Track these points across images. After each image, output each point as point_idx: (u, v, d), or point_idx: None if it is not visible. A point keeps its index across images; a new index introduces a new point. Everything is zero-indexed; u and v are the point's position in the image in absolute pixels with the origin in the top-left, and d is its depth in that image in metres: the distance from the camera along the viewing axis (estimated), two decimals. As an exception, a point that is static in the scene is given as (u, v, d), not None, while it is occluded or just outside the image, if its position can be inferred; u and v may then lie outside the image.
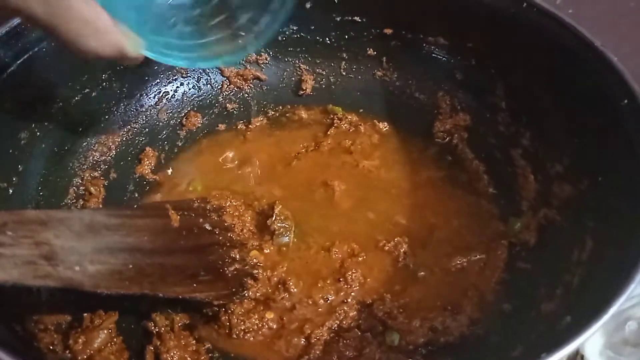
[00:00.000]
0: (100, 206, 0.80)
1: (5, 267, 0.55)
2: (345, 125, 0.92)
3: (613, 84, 0.67)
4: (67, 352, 0.65)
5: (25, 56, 0.75)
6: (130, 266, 0.64)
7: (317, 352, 0.68)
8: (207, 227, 0.73)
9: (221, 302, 0.68)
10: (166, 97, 0.92)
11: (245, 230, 0.76)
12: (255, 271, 0.72)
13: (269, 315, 0.70)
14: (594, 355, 0.97)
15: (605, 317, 0.49)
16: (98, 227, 0.65)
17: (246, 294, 0.70)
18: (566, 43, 0.74)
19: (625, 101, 0.66)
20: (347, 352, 0.68)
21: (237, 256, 0.73)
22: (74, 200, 0.81)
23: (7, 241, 0.56)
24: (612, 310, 0.50)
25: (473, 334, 0.69)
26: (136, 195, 0.84)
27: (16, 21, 0.71)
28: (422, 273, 0.75)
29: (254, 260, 0.74)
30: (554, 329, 0.59)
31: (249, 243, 0.75)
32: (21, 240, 0.57)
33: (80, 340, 0.65)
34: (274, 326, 0.70)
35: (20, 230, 0.58)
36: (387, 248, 0.77)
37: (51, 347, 0.64)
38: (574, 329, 0.50)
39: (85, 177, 0.83)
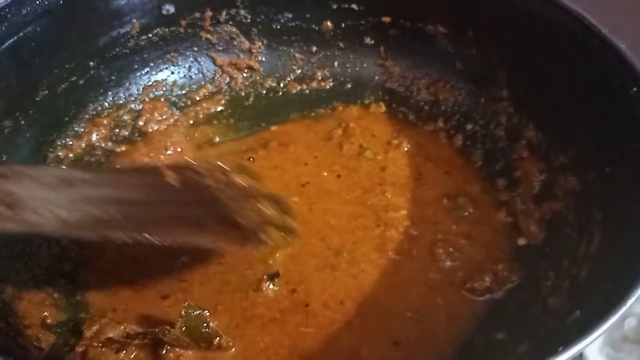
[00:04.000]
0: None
1: None
2: (342, 115, 0.89)
3: (621, 71, 0.65)
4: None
5: (10, 41, 0.72)
6: (120, 216, 0.63)
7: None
8: (210, 183, 0.68)
9: (233, 245, 0.67)
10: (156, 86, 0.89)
11: None
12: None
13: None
14: (593, 353, 0.96)
15: (618, 314, 0.46)
16: (74, 181, 0.64)
17: (264, 240, 0.66)
18: (571, 30, 0.71)
19: (635, 89, 0.64)
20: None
21: (249, 206, 0.67)
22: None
23: None
24: (625, 307, 0.48)
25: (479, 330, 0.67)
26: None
27: (2, 2, 0.68)
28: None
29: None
30: (563, 324, 0.57)
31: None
32: None
33: None
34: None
35: None
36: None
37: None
38: (583, 325, 0.48)
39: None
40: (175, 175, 0.66)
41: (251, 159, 0.84)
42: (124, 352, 0.62)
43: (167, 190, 0.66)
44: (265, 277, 0.70)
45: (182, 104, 0.91)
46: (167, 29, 0.87)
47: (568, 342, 0.44)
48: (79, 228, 0.62)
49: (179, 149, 0.86)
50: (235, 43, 0.92)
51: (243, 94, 0.93)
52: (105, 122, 0.85)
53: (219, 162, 0.69)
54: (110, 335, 0.63)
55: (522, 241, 0.73)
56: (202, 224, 0.66)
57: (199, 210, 0.66)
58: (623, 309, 0.46)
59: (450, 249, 0.73)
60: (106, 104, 0.85)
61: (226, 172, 0.69)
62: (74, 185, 0.63)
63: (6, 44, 0.71)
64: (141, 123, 0.87)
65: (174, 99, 0.90)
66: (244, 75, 0.93)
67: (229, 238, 0.66)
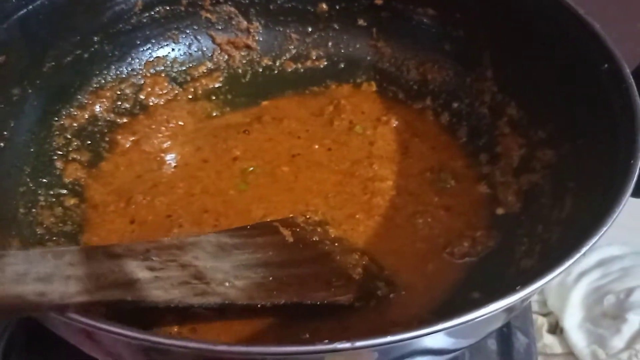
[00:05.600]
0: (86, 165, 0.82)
1: (166, 288, 0.56)
2: (334, 93, 0.93)
3: (594, 49, 0.69)
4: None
5: (20, 13, 0.75)
6: (270, 278, 0.64)
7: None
8: (316, 239, 0.73)
9: (360, 303, 0.68)
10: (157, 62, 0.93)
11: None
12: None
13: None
14: (573, 328, 1.00)
15: (573, 260, 0.50)
16: (227, 247, 0.66)
17: (379, 294, 0.69)
18: (550, 11, 0.75)
19: (606, 65, 0.67)
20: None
21: (354, 262, 0.71)
22: (63, 156, 0.82)
23: (157, 265, 0.58)
24: (580, 253, 0.51)
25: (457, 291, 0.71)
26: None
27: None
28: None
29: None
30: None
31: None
32: (168, 264, 0.59)
33: None
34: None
35: (163, 255, 0.60)
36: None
37: None
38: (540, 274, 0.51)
39: (73, 137, 0.84)
40: (288, 231, 0.72)
41: (246, 132, 0.88)
42: None
43: (287, 248, 0.70)
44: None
45: (182, 80, 0.94)
46: (168, 7, 0.90)
47: (525, 284, 0.48)
48: (251, 294, 0.62)
49: (180, 123, 0.90)
50: (233, 22, 0.95)
51: (240, 71, 0.96)
52: (108, 94, 0.88)
53: (308, 215, 0.76)
54: None
55: (500, 210, 0.77)
56: (328, 280, 0.68)
57: (321, 267, 0.70)
58: (577, 257, 0.49)
59: (429, 219, 0.77)
60: (109, 78, 0.89)
61: (321, 224, 0.75)
62: (229, 252, 0.66)
63: (15, 15, 0.75)
64: (142, 97, 0.91)
65: (174, 74, 0.94)
66: (242, 53, 0.97)
67: (348, 292, 0.67)
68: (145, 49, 0.92)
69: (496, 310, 0.46)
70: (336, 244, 0.73)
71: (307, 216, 0.76)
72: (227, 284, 0.61)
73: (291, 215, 0.76)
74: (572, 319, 1.00)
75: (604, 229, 0.51)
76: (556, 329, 1.03)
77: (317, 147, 0.86)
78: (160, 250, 0.60)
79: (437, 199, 0.79)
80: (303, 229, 0.74)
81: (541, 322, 1.02)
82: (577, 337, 0.98)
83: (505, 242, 0.73)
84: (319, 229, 0.75)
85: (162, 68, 0.93)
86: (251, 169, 0.83)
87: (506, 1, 0.81)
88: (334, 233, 0.75)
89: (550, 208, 0.70)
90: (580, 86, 0.71)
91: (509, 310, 0.51)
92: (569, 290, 1.02)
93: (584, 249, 0.49)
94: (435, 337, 0.48)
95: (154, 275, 0.57)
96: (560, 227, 0.66)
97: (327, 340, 0.44)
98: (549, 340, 1.00)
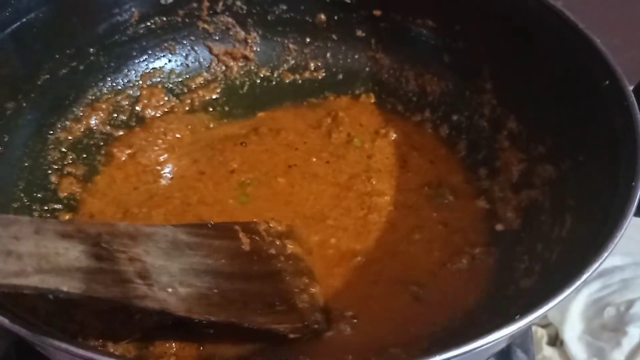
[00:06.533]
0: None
1: (107, 284, 0.52)
2: (332, 105, 0.93)
3: (595, 64, 0.68)
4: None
5: (14, 26, 0.75)
6: (215, 290, 0.60)
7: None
8: (273, 252, 0.69)
9: (295, 335, 0.64)
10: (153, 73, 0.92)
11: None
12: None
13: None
14: (573, 340, 0.99)
15: (573, 287, 0.49)
16: (181, 245, 0.61)
17: (316, 328, 0.65)
18: (551, 25, 0.74)
19: (607, 82, 0.67)
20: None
21: (303, 286, 0.68)
22: (58, 170, 0.81)
23: (105, 254, 0.53)
24: (581, 280, 0.50)
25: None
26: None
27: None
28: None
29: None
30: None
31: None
32: (117, 254, 0.54)
33: None
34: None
35: (114, 244, 0.55)
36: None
37: None
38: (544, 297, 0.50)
39: (68, 151, 0.83)
40: (247, 239, 0.67)
41: (243, 144, 0.87)
42: None
43: (240, 258, 0.65)
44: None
45: (179, 91, 0.93)
46: (165, 18, 0.90)
47: (525, 312, 0.47)
48: (190, 306, 0.57)
49: (177, 135, 0.89)
50: (231, 33, 0.94)
51: (238, 82, 0.96)
52: (103, 106, 0.87)
53: (272, 223, 0.72)
54: None
55: (499, 227, 0.76)
56: (272, 303, 0.64)
57: (268, 287, 0.65)
58: (577, 284, 0.49)
59: (428, 234, 0.76)
60: (105, 90, 0.88)
61: (281, 236, 0.71)
62: (182, 251, 0.61)
63: (9, 28, 0.74)
64: (139, 108, 0.90)
65: (171, 86, 0.93)
66: (239, 64, 0.96)
67: (291, 322, 0.64)
68: (141, 60, 0.91)
69: (496, 340, 0.45)
70: (290, 262, 0.69)
71: (271, 224, 0.72)
72: (170, 289, 0.56)
73: (255, 220, 0.73)
74: (572, 331, 1.00)
75: (605, 254, 0.51)
76: (556, 340, 1.02)
77: (314, 159, 0.86)
78: (113, 236, 0.55)
79: (435, 214, 0.79)
80: (262, 238, 0.69)
81: (541, 334, 1.01)
82: (577, 349, 0.97)
83: (504, 259, 0.72)
84: (277, 242, 0.71)
85: (159, 79, 0.93)
86: (248, 182, 0.83)
87: (506, 14, 0.80)
88: (291, 249, 0.71)
89: (551, 226, 0.69)
90: (581, 102, 0.71)
91: (509, 337, 0.50)
92: (568, 301, 1.01)
93: (584, 276, 0.49)
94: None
95: (99, 265, 0.52)
96: (560, 247, 0.65)
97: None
98: (548, 353, 0.99)
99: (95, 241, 0.53)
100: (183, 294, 0.57)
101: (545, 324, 1.03)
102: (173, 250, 0.60)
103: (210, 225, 0.67)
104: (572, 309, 1.01)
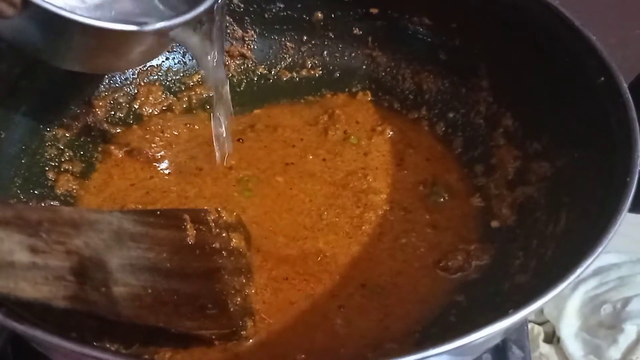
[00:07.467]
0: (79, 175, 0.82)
1: (36, 282, 0.47)
2: (329, 102, 0.93)
3: (591, 61, 0.69)
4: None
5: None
6: (149, 290, 0.56)
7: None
8: (217, 246, 0.66)
9: (221, 341, 0.64)
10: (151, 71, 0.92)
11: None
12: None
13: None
14: (570, 338, 0.99)
15: (567, 282, 0.49)
16: (124, 236, 0.57)
17: (243, 335, 0.65)
18: (547, 23, 0.75)
19: (602, 79, 0.67)
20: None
21: (239, 287, 0.67)
22: (55, 167, 0.81)
23: (42, 247, 0.48)
24: (575, 275, 0.50)
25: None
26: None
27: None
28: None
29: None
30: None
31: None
32: (54, 247, 0.49)
33: None
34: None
35: (54, 234, 0.49)
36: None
37: None
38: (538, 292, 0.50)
39: (65, 148, 0.83)
40: (194, 230, 0.64)
41: (240, 140, 0.88)
42: None
43: (182, 252, 0.62)
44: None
45: (177, 89, 0.94)
46: (162, 16, 0.90)
47: (519, 307, 0.47)
48: (120, 309, 0.54)
49: (175, 132, 0.89)
50: (228, 31, 0.94)
51: (235, 80, 0.96)
52: (101, 104, 0.88)
53: (222, 213, 0.69)
54: None
55: (494, 224, 0.76)
56: (203, 306, 0.61)
57: (203, 288, 0.63)
58: (571, 279, 0.49)
59: (425, 232, 0.76)
60: (102, 87, 0.88)
61: (229, 228, 0.69)
62: (123, 243, 0.56)
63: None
64: (136, 106, 0.90)
65: (168, 83, 0.93)
66: (237, 62, 0.96)
67: (220, 327, 0.62)
68: (139, 58, 0.91)
69: (489, 334, 0.46)
70: (231, 258, 0.67)
71: (222, 215, 0.69)
72: (103, 289, 0.52)
73: (206, 207, 0.70)
74: (569, 329, 1.00)
75: (599, 249, 0.51)
76: (553, 338, 1.03)
77: (311, 157, 0.86)
78: (53, 225, 0.50)
79: (430, 213, 0.79)
80: (209, 229, 0.66)
81: (537, 331, 1.01)
82: (574, 346, 0.98)
83: (500, 256, 0.72)
84: (223, 234, 0.68)
85: (156, 77, 0.93)
86: (247, 178, 0.83)
87: (502, 12, 0.80)
88: (237, 244, 0.70)
89: (546, 222, 0.69)
90: (576, 99, 0.71)
91: (503, 332, 0.50)
92: (565, 298, 1.01)
93: (578, 271, 0.49)
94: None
95: (32, 260, 0.47)
96: (555, 243, 0.65)
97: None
98: (545, 350, 0.99)
99: (34, 231, 0.48)
100: (115, 295, 0.53)
101: (542, 322, 1.04)
102: (114, 242, 0.55)
103: (158, 213, 0.64)
104: (569, 306, 1.01)
